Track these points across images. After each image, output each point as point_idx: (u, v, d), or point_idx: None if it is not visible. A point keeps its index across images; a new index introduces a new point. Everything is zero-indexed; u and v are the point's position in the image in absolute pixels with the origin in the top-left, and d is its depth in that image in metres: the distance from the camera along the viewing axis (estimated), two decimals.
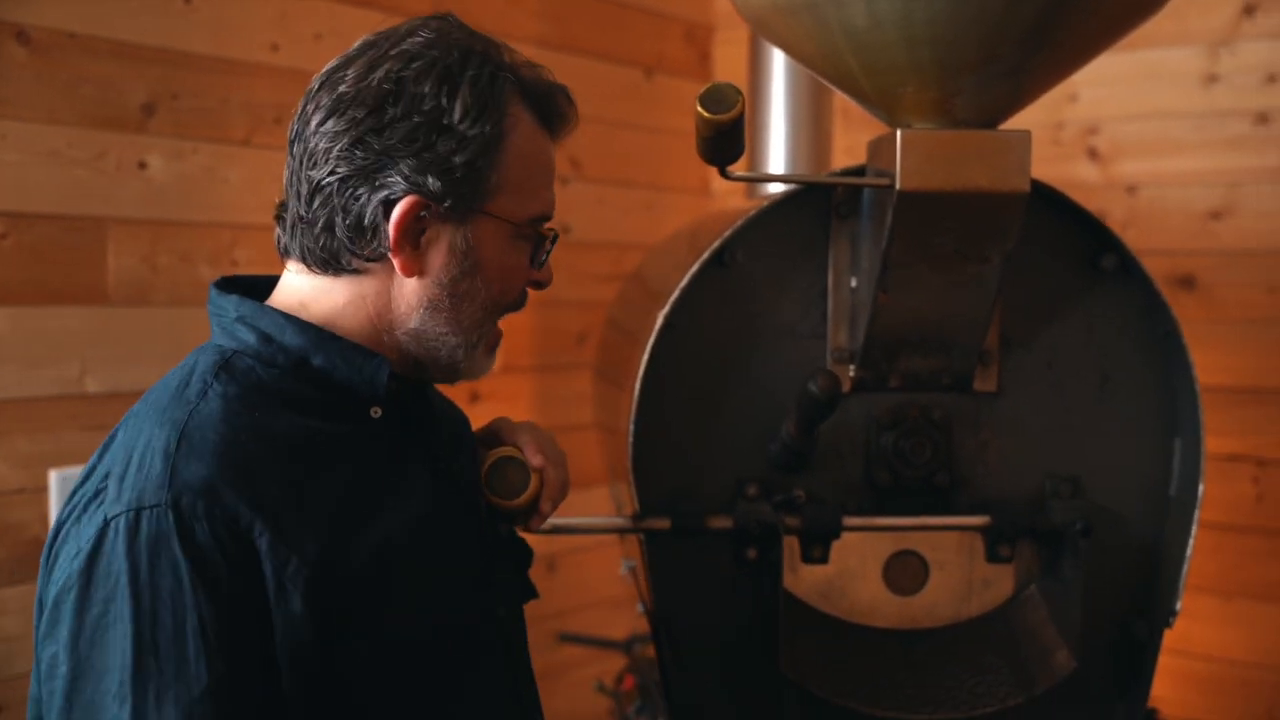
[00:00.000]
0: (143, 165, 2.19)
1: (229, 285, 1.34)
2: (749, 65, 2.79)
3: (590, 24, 3.15)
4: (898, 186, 1.54)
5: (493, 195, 1.27)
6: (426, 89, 1.23)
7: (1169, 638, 1.78)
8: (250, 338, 1.27)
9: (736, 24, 3.38)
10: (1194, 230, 2.71)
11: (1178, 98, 2.73)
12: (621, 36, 3.24)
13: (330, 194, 1.25)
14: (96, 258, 2.14)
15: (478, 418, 1.60)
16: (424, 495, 1.31)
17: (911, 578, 1.79)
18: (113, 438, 1.23)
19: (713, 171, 3.48)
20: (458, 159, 1.23)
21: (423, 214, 1.24)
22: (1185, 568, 1.72)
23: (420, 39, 1.26)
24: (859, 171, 1.69)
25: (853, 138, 3.14)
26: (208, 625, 1.11)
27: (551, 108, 1.32)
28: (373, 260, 1.27)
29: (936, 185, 1.54)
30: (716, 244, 1.71)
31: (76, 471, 2.06)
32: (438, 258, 1.27)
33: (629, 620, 2.86)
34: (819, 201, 1.75)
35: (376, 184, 1.24)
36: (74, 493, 1.21)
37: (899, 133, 1.54)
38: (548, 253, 1.36)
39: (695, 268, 1.71)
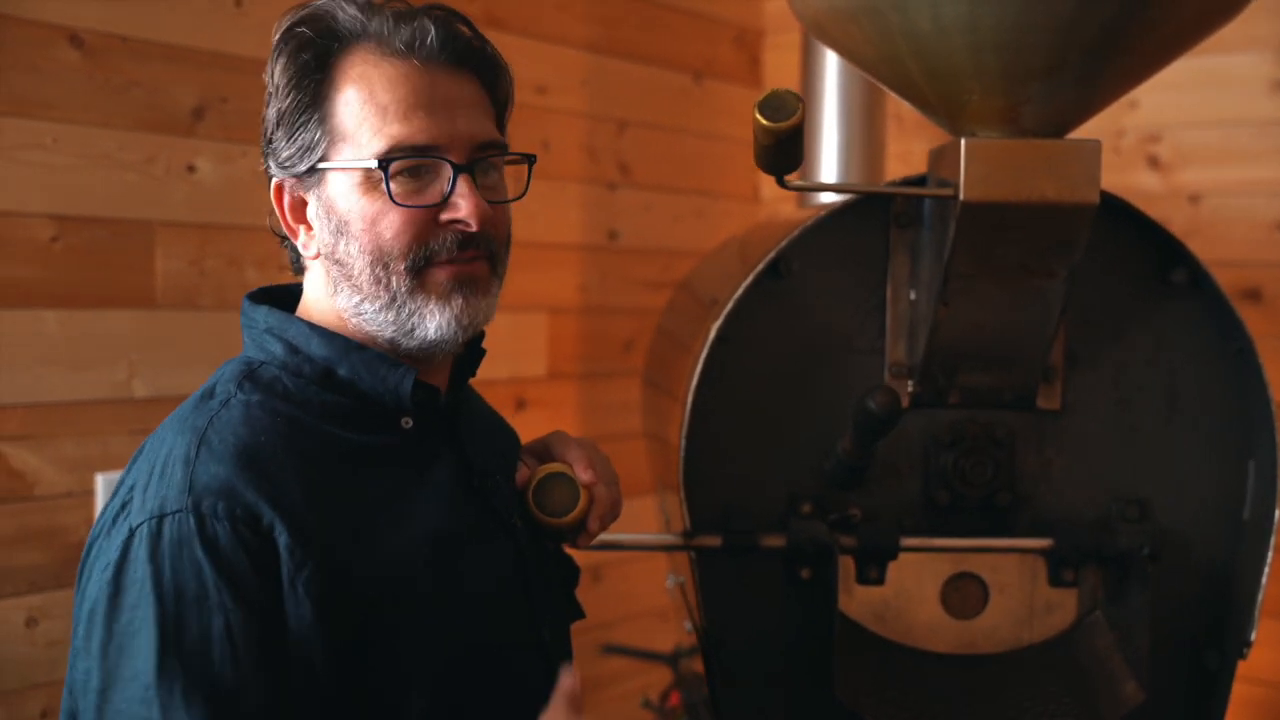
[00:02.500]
0: (191, 169, 2.18)
1: (263, 296, 1.34)
2: (801, 70, 2.74)
3: (639, 28, 3.11)
4: (961, 197, 1.49)
5: (330, 147, 1.24)
6: (268, 76, 1.27)
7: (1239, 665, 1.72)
8: (277, 348, 1.27)
9: (787, 28, 3.34)
10: (1260, 241, 2.64)
11: (1243, 105, 2.67)
12: (671, 41, 3.20)
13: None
14: (144, 261, 2.13)
15: (523, 424, 1.57)
16: (451, 511, 1.28)
17: (971, 601, 1.74)
18: (140, 451, 1.24)
19: (764, 178, 3.43)
20: (284, 128, 1.25)
21: (291, 190, 1.27)
22: (1260, 595, 1.66)
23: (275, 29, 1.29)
24: (920, 181, 1.64)
25: (906, 144, 3.09)
26: (234, 628, 1.10)
27: (393, 34, 1.24)
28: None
29: (1001, 196, 1.49)
30: (772, 254, 1.67)
31: None
32: (318, 231, 1.27)
33: (675, 632, 2.82)
34: (878, 211, 1.70)
35: (270, 181, 1.29)
36: (105, 508, 1.21)
37: (963, 141, 1.49)
38: (452, 184, 1.23)
39: (750, 278, 1.66)
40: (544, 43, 2.86)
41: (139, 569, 1.11)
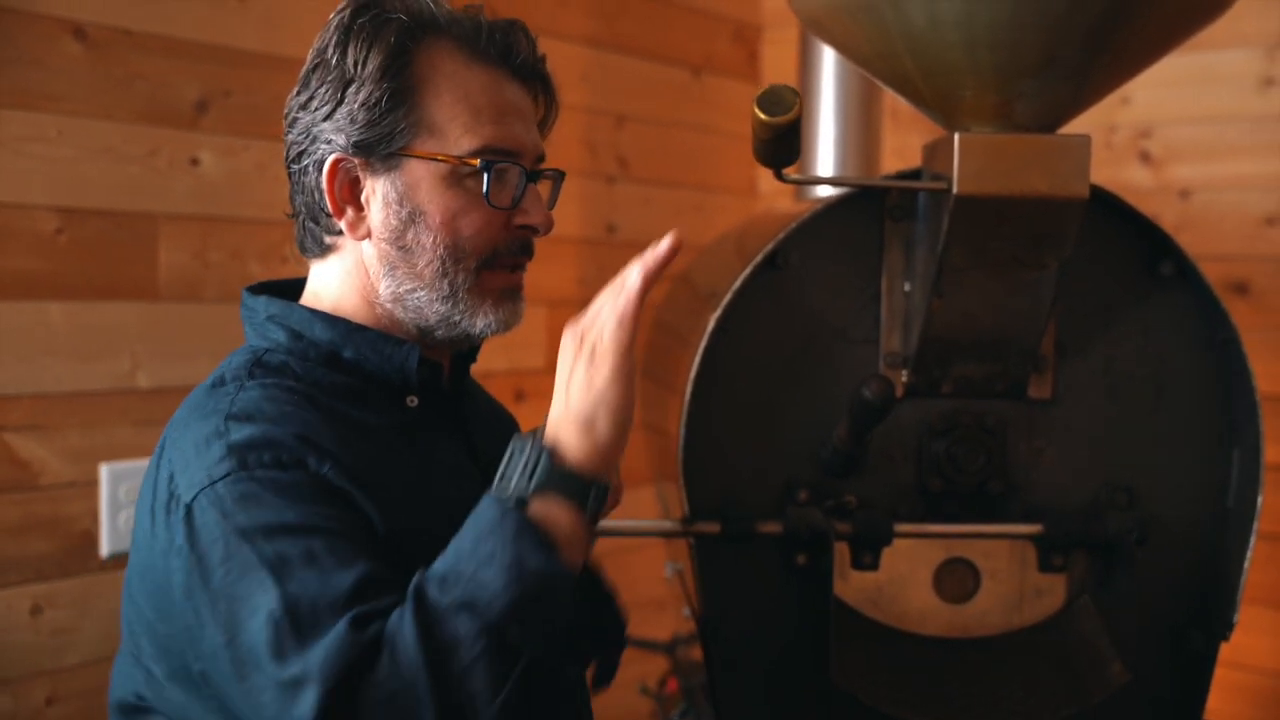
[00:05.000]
0: (195, 162, 2.20)
1: (262, 289, 1.36)
2: (798, 65, 2.77)
3: (639, 23, 3.14)
4: (954, 190, 1.52)
5: (415, 136, 1.26)
6: (332, 52, 1.27)
7: (1223, 650, 1.76)
8: (281, 335, 1.29)
9: (785, 24, 3.36)
10: (1248, 236, 2.67)
11: (1233, 101, 2.69)
12: (670, 36, 3.23)
13: (294, 180, 1.32)
14: (148, 253, 2.15)
15: (522, 415, 1.59)
16: (464, 485, 1.30)
17: (962, 586, 1.77)
18: (162, 447, 1.24)
19: (761, 172, 3.46)
20: (364, 107, 1.25)
21: (349, 169, 1.27)
22: (1243, 579, 1.69)
23: (343, 8, 1.30)
24: (914, 175, 1.67)
25: (902, 139, 3.12)
26: (338, 534, 1.12)
27: (489, 42, 1.30)
28: (340, 234, 1.31)
29: (994, 190, 1.52)
30: (769, 246, 1.70)
31: (127, 466, 2.08)
32: (378, 213, 1.28)
33: (672, 622, 2.85)
34: (873, 204, 1.73)
35: (313, 155, 1.28)
36: (141, 510, 1.21)
37: (956, 136, 1.52)
38: (522, 190, 1.30)
39: (748, 270, 1.69)
40: (544, 36, 2.84)
41: (213, 530, 1.11)
